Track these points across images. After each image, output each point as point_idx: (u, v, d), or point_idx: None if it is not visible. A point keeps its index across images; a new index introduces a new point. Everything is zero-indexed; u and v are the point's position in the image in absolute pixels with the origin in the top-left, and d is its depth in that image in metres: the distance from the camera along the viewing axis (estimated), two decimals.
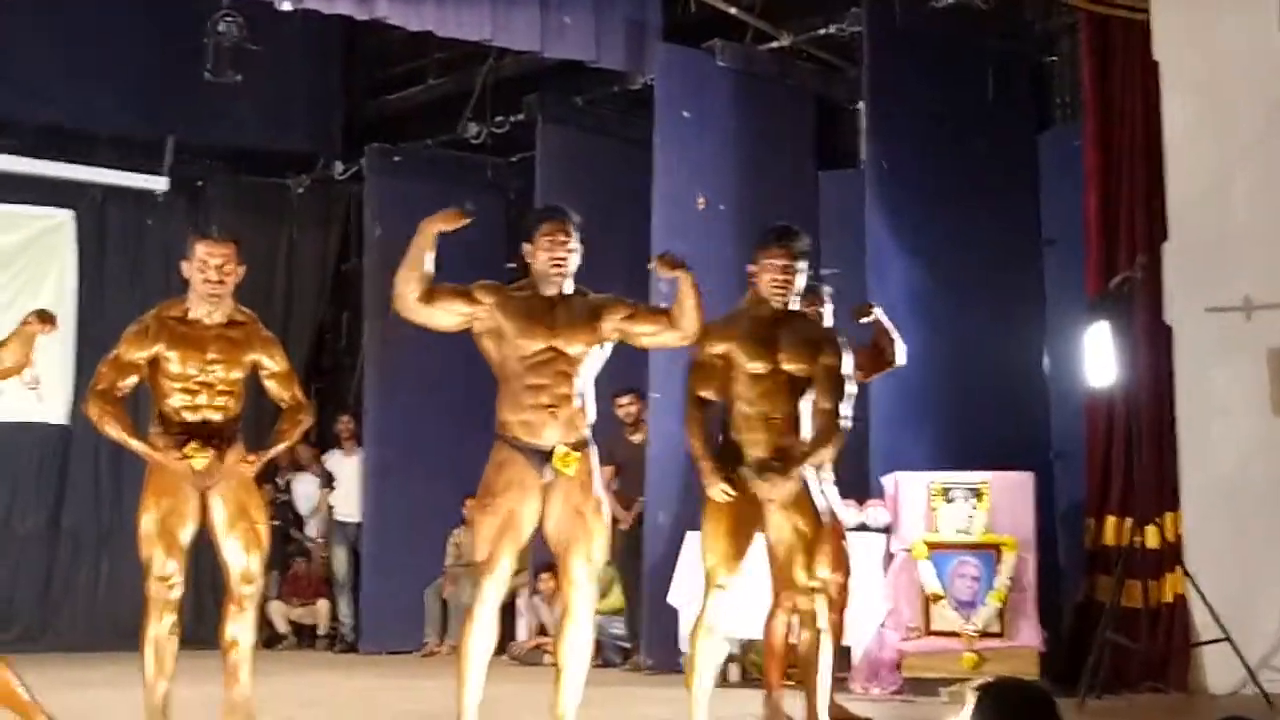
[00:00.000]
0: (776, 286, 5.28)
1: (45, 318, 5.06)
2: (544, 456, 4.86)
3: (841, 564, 6.33)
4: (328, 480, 11.03)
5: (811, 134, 9.31)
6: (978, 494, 7.29)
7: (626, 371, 8.84)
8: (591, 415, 5.02)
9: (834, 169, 9.24)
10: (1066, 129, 8.42)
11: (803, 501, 5.23)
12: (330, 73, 11.47)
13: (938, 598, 7.18)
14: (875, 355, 6.36)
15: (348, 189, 11.64)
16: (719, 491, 5.09)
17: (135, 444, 5.32)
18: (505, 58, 9.97)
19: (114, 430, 5.38)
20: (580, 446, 4.94)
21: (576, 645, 4.99)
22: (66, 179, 10.91)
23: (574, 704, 5.00)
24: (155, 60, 10.40)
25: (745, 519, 5.19)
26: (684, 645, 8.07)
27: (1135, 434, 7.08)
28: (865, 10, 8.39)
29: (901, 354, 6.36)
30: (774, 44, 9.21)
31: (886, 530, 7.50)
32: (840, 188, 8.95)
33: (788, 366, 5.23)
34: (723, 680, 7.51)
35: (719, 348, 5.23)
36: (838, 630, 6.30)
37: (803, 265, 5.31)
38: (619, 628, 9.08)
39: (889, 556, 7.46)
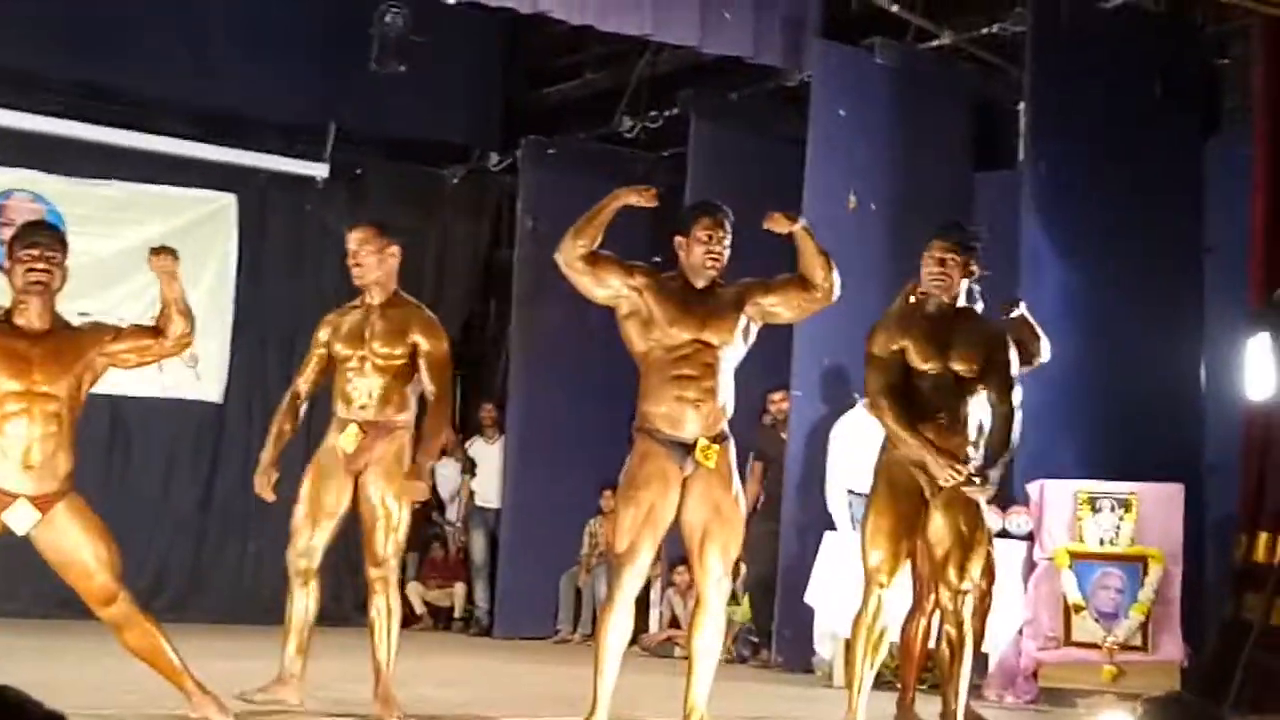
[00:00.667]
0: (933, 278, 5.22)
1: (159, 251, 5.15)
2: (685, 449, 4.88)
3: (987, 570, 6.21)
4: (470, 466, 11.17)
5: (969, 134, 9.16)
6: (1125, 504, 7.11)
7: (779, 369, 8.83)
8: (731, 409, 5.02)
9: (991, 170, 9.07)
10: (1235, 134, 8.16)
11: (969, 503, 5.18)
12: (490, 65, 11.60)
13: (1079, 608, 7.01)
14: (1019, 351, 6.21)
15: (502, 180, 11.78)
16: (950, 474, 5.05)
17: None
18: (662, 52, 9.99)
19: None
20: (720, 439, 4.95)
21: (708, 636, 5.00)
22: (231, 163, 11.19)
23: (704, 695, 5.02)
24: (321, 49, 10.63)
25: (909, 519, 5.16)
26: (817, 645, 8.04)
27: None
28: (1030, 9, 8.23)
29: (1046, 350, 6.23)
30: (934, 42, 9.08)
31: (1029, 538, 7.35)
32: (996, 189, 8.80)
33: (957, 366, 5.18)
34: (828, 681, 7.46)
35: (897, 344, 5.19)
36: (979, 636, 6.20)
37: (963, 257, 5.23)
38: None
39: (1030, 564, 7.30)
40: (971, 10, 8.95)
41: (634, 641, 9.57)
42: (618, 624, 4.93)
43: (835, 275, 5.04)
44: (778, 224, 5.11)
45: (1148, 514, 7.07)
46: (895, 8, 8.94)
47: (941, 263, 5.24)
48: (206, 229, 11.33)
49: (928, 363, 5.18)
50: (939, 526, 5.17)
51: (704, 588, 4.97)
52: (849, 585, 7.27)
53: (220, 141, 11.11)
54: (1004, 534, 7.28)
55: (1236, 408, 7.32)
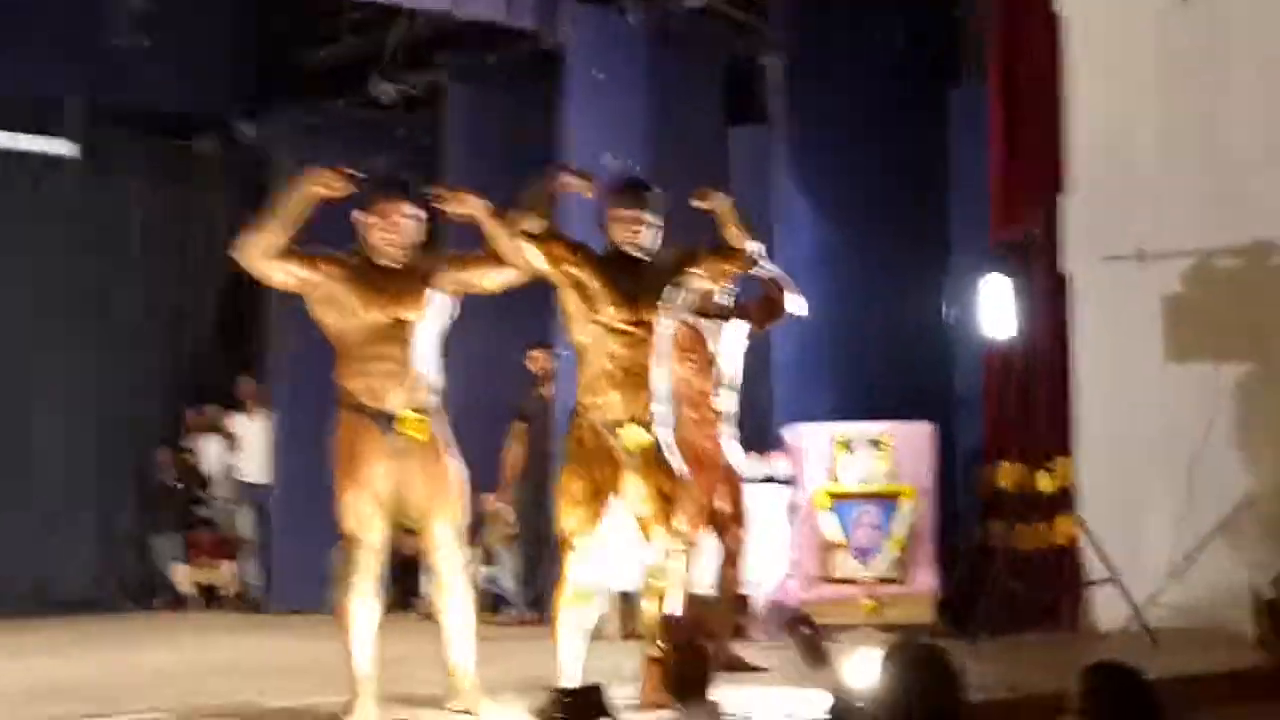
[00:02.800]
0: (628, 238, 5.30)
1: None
2: (389, 421, 4.91)
3: (736, 515, 6.35)
4: (232, 442, 10.93)
5: (722, 90, 9.31)
6: (879, 444, 7.35)
7: (537, 327, 8.85)
8: (434, 380, 5.09)
9: (744, 125, 9.24)
10: (975, 84, 8.47)
11: (663, 461, 5.24)
12: (238, 33, 11.26)
13: (838, 546, 7.22)
14: (767, 305, 6.37)
15: (257, 150, 11.48)
16: None
17: None
18: (417, 16, 9.88)
19: None
20: (425, 411, 4.98)
21: (455, 611, 5.08)
22: None
23: (470, 660, 5.06)
24: (58, 21, 10.18)
25: (600, 481, 5.18)
26: None
27: (1032, 382, 7.16)
28: None
29: (797, 304, 6.38)
30: (686, 2, 9.18)
31: (790, 482, 7.53)
32: (750, 144, 8.96)
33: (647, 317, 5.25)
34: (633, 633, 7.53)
35: (578, 273, 5.23)
36: (733, 581, 6.34)
37: (652, 218, 5.31)
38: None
39: (793, 508, 7.49)
40: None
41: (409, 606, 9.60)
42: (362, 609, 4.94)
43: (753, 243, 5.48)
44: (703, 198, 5.47)
45: (900, 452, 7.33)
46: None
47: (635, 222, 5.29)
48: None
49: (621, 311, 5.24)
50: (639, 490, 5.20)
51: (436, 561, 5.02)
52: (619, 542, 7.39)
53: None
54: (769, 480, 7.45)
55: (981, 346, 7.61)
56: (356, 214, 4.99)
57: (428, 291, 5.03)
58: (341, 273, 4.96)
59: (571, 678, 5.15)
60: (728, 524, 6.35)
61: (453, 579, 5.04)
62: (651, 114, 8.93)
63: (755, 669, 6.05)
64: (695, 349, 6.26)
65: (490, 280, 5.19)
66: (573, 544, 5.17)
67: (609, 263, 5.26)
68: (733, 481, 6.42)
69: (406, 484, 4.96)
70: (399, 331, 4.95)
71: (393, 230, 4.96)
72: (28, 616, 10.00)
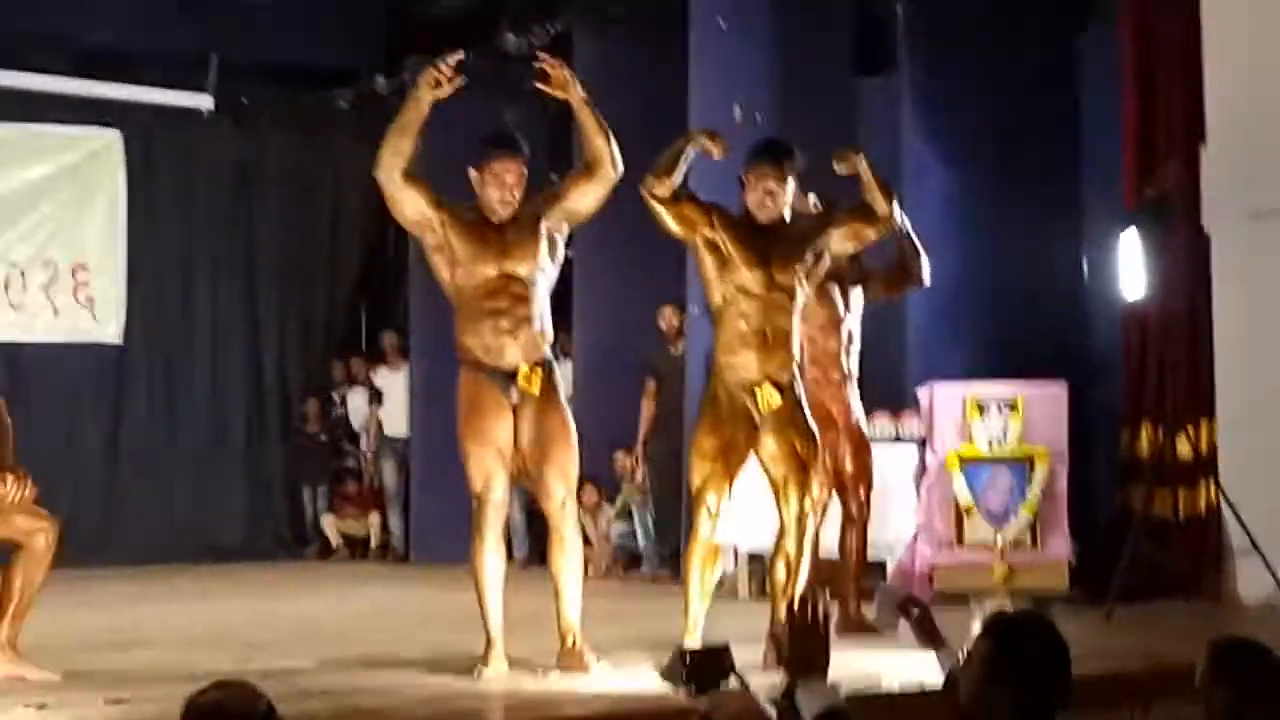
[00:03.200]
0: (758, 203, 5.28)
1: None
2: (508, 378, 4.98)
3: (864, 478, 6.36)
4: (376, 396, 11.18)
5: (849, 40, 9.17)
6: (1012, 406, 7.22)
7: (668, 285, 8.89)
8: (548, 334, 5.16)
9: (873, 75, 9.10)
10: (1107, 31, 8.22)
11: (801, 423, 5.27)
12: None
13: (970, 510, 7.16)
14: (901, 274, 6.33)
15: (391, 102, 11.61)
16: None
17: None
18: None
19: None
20: (541, 364, 5.06)
21: (563, 562, 5.15)
22: (113, 99, 10.99)
23: (576, 616, 5.14)
24: None
25: (734, 440, 5.23)
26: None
27: (1171, 344, 7.00)
28: None
29: (926, 271, 6.32)
30: None
31: (921, 443, 7.49)
32: (879, 94, 8.82)
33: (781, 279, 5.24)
34: (733, 594, 7.63)
35: (712, 235, 5.24)
36: (861, 545, 6.35)
37: (788, 183, 5.29)
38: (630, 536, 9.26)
39: (923, 469, 7.45)
40: None
41: (544, 561, 9.79)
42: (489, 561, 5.05)
43: (895, 205, 5.42)
44: (842, 161, 5.41)
45: (1034, 414, 7.18)
46: None
47: (761, 183, 5.27)
48: (93, 167, 11.19)
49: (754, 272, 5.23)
50: (772, 450, 5.24)
51: (551, 514, 5.10)
52: (752, 502, 7.45)
53: (99, 76, 10.90)
54: (896, 439, 7.42)
55: (1118, 306, 7.46)
56: (472, 171, 5.08)
57: (540, 245, 5.09)
58: (457, 224, 5.06)
59: (698, 635, 5.22)
60: (853, 486, 6.36)
61: (564, 533, 5.12)
62: (777, 64, 8.84)
63: (879, 631, 6.03)
64: (823, 309, 6.25)
65: (590, 199, 5.25)
66: (704, 501, 5.21)
67: (744, 225, 5.26)
68: (859, 443, 6.42)
69: (522, 438, 5.06)
70: (512, 286, 5.04)
71: (504, 187, 5.03)
72: (184, 562, 10.46)
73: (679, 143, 5.33)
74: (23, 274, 10.91)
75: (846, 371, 6.38)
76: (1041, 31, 8.31)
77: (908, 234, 6.31)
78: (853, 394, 6.41)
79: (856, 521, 6.38)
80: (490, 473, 5.04)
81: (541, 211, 5.15)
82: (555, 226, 5.21)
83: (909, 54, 8.18)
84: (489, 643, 5.06)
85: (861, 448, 6.43)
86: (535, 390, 5.03)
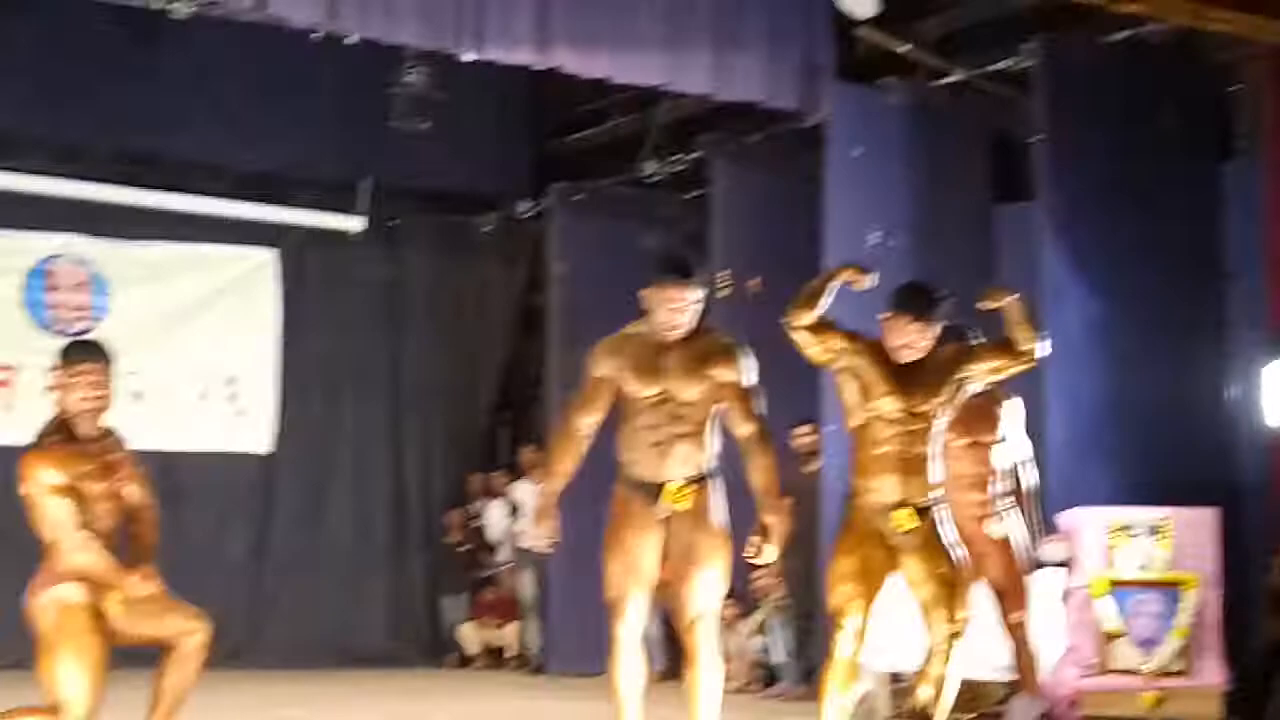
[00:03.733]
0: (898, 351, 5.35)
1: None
2: (657, 492, 5.08)
3: (1018, 600, 6.40)
4: (514, 509, 11.41)
5: (987, 168, 9.32)
6: (1159, 531, 7.25)
7: (803, 404, 9.02)
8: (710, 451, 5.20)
9: (1010, 202, 9.24)
10: (1250, 159, 8.30)
11: (938, 543, 5.34)
12: (515, 116, 11.87)
13: (1117, 635, 7.16)
14: (1008, 348, 6.10)
15: (533, 226, 12.02)
16: None
17: None
18: (682, 97, 10.20)
19: None
20: (696, 480, 5.12)
21: (701, 681, 5.10)
22: (269, 221, 11.49)
23: None
24: (352, 107, 10.91)
25: (871, 562, 5.32)
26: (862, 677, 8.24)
27: None
28: (1040, 44, 8.38)
29: (1040, 345, 6.11)
30: (947, 79, 9.26)
31: (1065, 565, 7.50)
32: (1017, 222, 8.94)
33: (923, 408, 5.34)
34: (870, 715, 7.63)
35: (854, 362, 5.37)
36: (1031, 664, 6.34)
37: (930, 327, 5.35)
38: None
39: (1068, 594, 7.46)
40: (983, 47, 9.09)
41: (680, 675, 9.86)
42: (626, 671, 5.07)
43: (1041, 343, 5.42)
44: (992, 299, 5.43)
45: (1182, 539, 7.20)
46: (907, 47, 9.11)
47: (902, 330, 5.32)
48: (248, 285, 11.65)
49: (894, 400, 5.32)
50: (915, 573, 5.32)
51: (687, 640, 5.10)
52: (888, 620, 7.49)
53: (256, 199, 11.41)
54: (1039, 565, 7.44)
55: (1265, 431, 7.45)
56: (645, 292, 5.12)
57: (707, 376, 5.14)
58: (619, 356, 5.13)
59: None
60: (1008, 603, 6.38)
61: (703, 650, 5.10)
62: (913, 191, 9.02)
63: None
64: (981, 432, 6.34)
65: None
66: (842, 621, 5.28)
67: (886, 354, 5.37)
68: (1015, 565, 6.46)
69: (671, 554, 5.11)
70: (670, 406, 5.11)
71: (672, 309, 5.10)
72: (326, 668, 10.70)
73: (825, 274, 5.47)
74: (179, 386, 11.36)
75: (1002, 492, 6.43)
76: (1183, 159, 8.40)
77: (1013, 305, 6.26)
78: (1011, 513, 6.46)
79: (1020, 643, 6.36)
80: (624, 584, 5.10)
81: (718, 378, 5.17)
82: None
83: (1048, 181, 8.28)
84: None
85: (1014, 567, 6.46)
86: (686, 504, 5.09)
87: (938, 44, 9.19)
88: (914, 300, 5.37)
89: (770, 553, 5.13)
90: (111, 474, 5.26)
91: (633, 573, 5.07)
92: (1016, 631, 6.32)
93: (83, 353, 5.27)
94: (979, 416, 6.26)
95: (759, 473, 5.17)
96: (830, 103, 9.01)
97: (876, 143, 8.97)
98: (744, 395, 5.17)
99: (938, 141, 9.09)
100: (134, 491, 5.38)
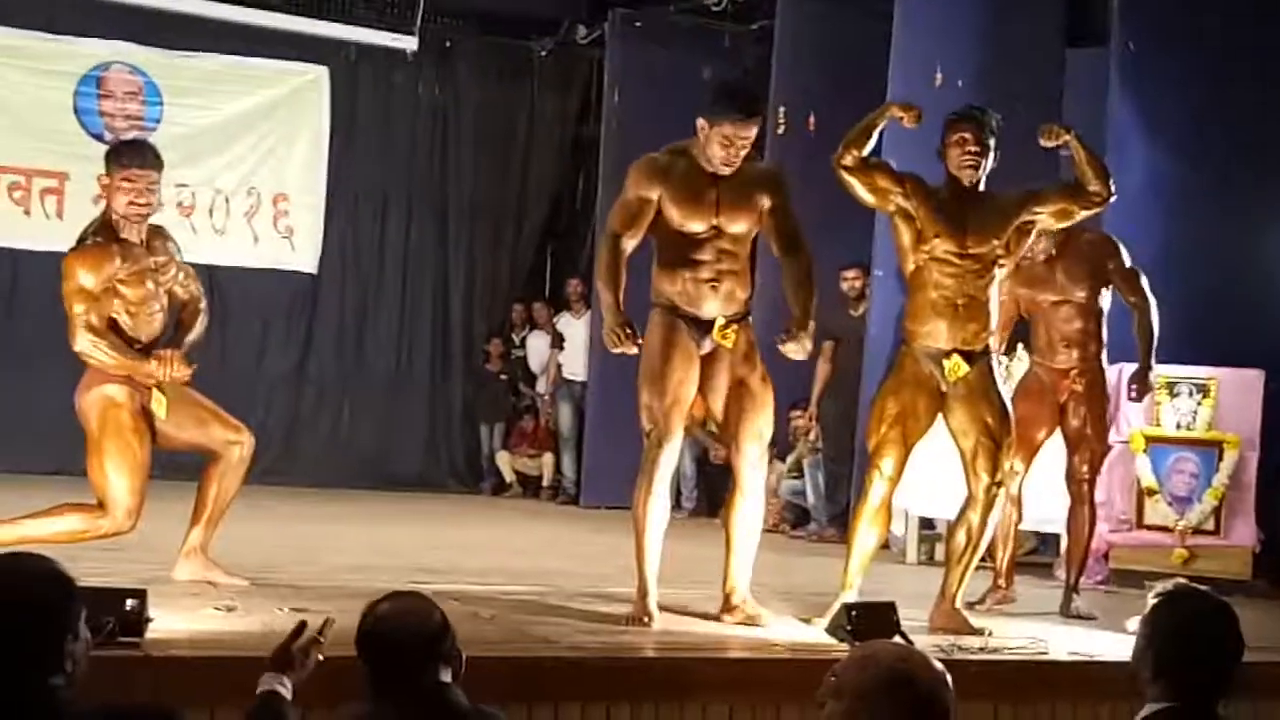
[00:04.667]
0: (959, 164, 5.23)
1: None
2: (705, 328, 4.95)
3: (1093, 461, 6.15)
4: (558, 340, 11.35)
5: (1061, 9, 8.96)
6: (1204, 390, 7.09)
7: (852, 244, 8.84)
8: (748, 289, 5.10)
9: (1082, 46, 8.89)
10: None
11: (989, 391, 5.23)
12: None
13: (1152, 492, 7.04)
14: (1075, 189, 5.84)
15: (590, 53, 11.76)
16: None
17: None
18: None
19: None
20: (741, 317, 5.02)
21: (749, 518, 5.05)
22: (322, 36, 11.28)
23: (747, 577, 5.07)
24: None
25: (913, 407, 5.22)
26: (892, 524, 8.18)
27: None
28: None
29: (1108, 185, 5.82)
30: None
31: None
32: (1088, 66, 8.62)
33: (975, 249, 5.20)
34: (901, 558, 7.60)
35: (905, 203, 5.22)
36: (1091, 524, 6.17)
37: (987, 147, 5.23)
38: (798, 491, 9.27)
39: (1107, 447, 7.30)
40: None
41: (715, 513, 9.85)
42: (655, 506, 4.96)
43: (1111, 182, 5.32)
44: (1051, 137, 5.37)
45: (1226, 399, 7.05)
46: None
47: (962, 143, 5.21)
48: (299, 101, 11.51)
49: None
50: (961, 421, 5.21)
51: (741, 469, 5.03)
52: (921, 464, 7.38)
53: (312, 14, 11.20)
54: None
55: None
56: (701, 122, 4.91)
57: (755, 207, 5.02)
58: (667, 182, 4.94)
59: (855, 592, 5.21)
60: (1079, 457, 6.16)
61: (752, 490, 5.04)
62: (986, 31, 8.71)
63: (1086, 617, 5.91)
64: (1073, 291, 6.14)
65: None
66: (878, 462, 5.20)
67: (942, 194, 5.23)
68: (1097, 418, 6.22)
69: (714, 391, 5.02)
70: (721, 241, 4.99)
71: (729, 147, 4.91)
72: (362, 488, 10.79)
73: (872, 115, 5.30)
74: (227, 201, 11.31)
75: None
76: (1262, 13, 8.02)
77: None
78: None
79: (1081, 500, 6.17)
80: (666, 416, 4.94)
81: (767, 203, 5.04)
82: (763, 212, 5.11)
83: (1121, 27, 7.95)
84: (643, 592, 4.95)
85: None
86: (731, 343, 4.98)
87: None
88: (970, 112, 5.32)
89: (804, 344, 4.98)
90: (156, 276, 5.21)
91: (675, 404, 4.94)
92: (1080, 488, 6.12)
93: (132, 156, 5.20)
94: (1080, 276, 6.05)
95: (801, 284, 5.04)
96: None
97: None
98: (789, 216, 5.05)
99: None
100: (181, 290, 5.37)
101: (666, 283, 5.02)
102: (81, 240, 5.17)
